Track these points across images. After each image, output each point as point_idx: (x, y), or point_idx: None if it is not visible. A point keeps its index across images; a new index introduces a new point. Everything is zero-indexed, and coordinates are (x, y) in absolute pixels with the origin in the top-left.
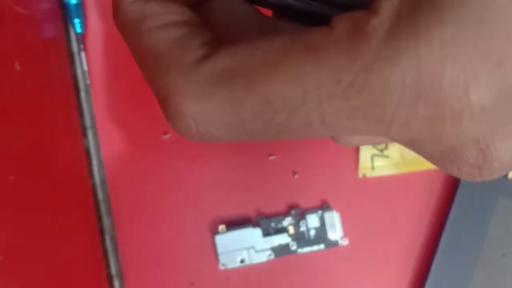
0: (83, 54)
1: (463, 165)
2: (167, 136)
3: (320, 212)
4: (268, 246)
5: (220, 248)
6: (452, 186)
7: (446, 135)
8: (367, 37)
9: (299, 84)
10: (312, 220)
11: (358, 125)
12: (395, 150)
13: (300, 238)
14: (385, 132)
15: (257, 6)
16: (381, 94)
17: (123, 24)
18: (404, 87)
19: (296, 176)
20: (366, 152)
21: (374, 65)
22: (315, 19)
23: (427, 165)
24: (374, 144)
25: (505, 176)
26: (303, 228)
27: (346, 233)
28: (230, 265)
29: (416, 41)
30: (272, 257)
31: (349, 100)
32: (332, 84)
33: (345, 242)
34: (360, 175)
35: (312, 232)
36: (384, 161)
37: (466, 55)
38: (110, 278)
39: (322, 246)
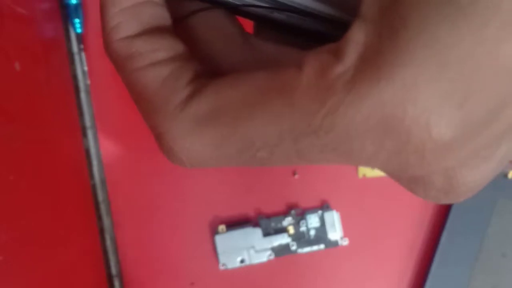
0: (83, 54)
1: (430, 190)
2: None
3: (320, 212)
4: (268, 246)
5: (220, 248)
6: None
7: (411, 166)
8: (333, 83)
9: (275, 125)
10: (312, 220)
11: (330, 158)
12: None
13: (300, 238)
14: (354, 163)
15: (239, 18)
16: (347, 134)
17: (113, 60)
18: (368, 128)
19: (296, 176)
20: None
21: (339, 109)
22: (297, 32)
23: None
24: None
25: (505, 176)
26: (303, 228)
27: (346, 233)
28: (230, 265)
29: (378, 84)
30: (272, 257)
31: (319, 139)
32: (304, 126)
33: (345, 242)
34: (360, 175)
35: (312, 232)
36: None
37: (428, 96)
38: (110, 278)
39: (322, 246)
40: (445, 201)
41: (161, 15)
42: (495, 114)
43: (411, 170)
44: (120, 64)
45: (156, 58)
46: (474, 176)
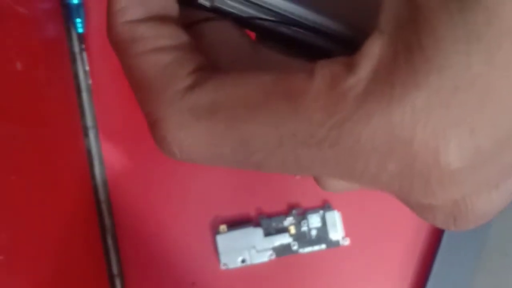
0: (84, 54)
1: (438, 214)
2: None
3: (321, 212)
4: (269, 246)
5: (221, 248)
6: None
7: (415, 192)
8: (343, 95)
9: (275, 129)
10: (314, 220)
11: (331, 172)
12: None
13: (302, 238)
14: (356, 181)
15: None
16: (351, 150)
17: (115, 43)
18: (374, 146)
19: (297, 176)
20: None
21: (347, 123)
22: (298, 46)
23: None
24: (354, 190)
25: None
26: (304, 228)
27: (347, 233)
28: (231, 265)
29: (389, 104)
30: (273, 257)
31: (322, 151)
32: (307, 135)
33: (346, 242)
34: None
35: (314, 232)
36: None
37: (438, 121)
38: (111, 278)
39: (323, 246)
40: (455, 228)
41: (169, 5)
42: (507, 142)
43: (414, 196)
44: (122, 47)
45: (160, 44)
46: (483, 204)
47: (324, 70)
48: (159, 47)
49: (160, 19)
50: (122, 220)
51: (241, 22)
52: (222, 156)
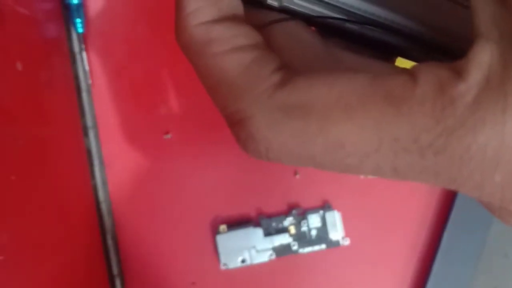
0: (84, 54)
1: None
2: (168, 136)
3: (321, 212)
4: (269, 246)
5: (221, 248)
6: None
7: None
8: (453, 101)
9: (375, 133)
10: (314, 220)
11: (428, 179)
12: None
13: (302, 238)
14: (455, 188)
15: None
16: (460, 159)
17: (187, 46)
18: (484, 156)
19: (297, 175)
20: None
21: (457, 131)
22: (365, 42)
23: None
24: None
25: None
26: (304, 228)
27: (347, 233)
28: (231, 265)
29: (503, 112)
30: (273, 257)
31: (424, 158)
32: (409, 140)
33: (346, 242)
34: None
35: (314, 232)
36: None
37: None
38: (111, 278)
39: (323, 246)
40: None
41: (237, 5)
42: None
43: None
44: (197, 49)
45: (239, 44)
46: None
47: (429, 75)
48: (238, 47)
49: (233, 19)
50: (122, 220)
51: (309, 20)
52: (312, 157)
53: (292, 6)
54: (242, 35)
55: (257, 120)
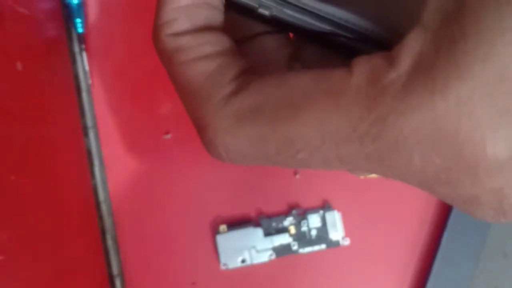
0: (84, 54)
1: (487, 210)
2: (168, 136)
3: (321, 212)
4: (269, 246)
5: (221, 248)
6: None
7: (461, 184)
8: (384, 89)
9: (319, 127)
10: (314, 220)
11: (373, 167)
12: None
13: (302, 238)
14: (399, 175)
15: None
16: (395, 144)
17: (160, 53)
18: (418, 139)
19: (297, 176)
20: None
21: (389, 116)
22: (337, 49)
23: None
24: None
25: None
26: (304, 228)
27: (347, 233)
28: (231, 265)
29: (432, 96)
30: (273, 257)
31: (364, 146)
32: (349, 131)
33: (346, 242)
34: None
35: (314, 232)
36: None
37: (483, 112)
38: (111, 278)
39: (323, 246)
40: (505, 219)
41: (215, 18)
42: None
43: (461, 189)
44: (166, 57)
45: (203, 52)
46: None
47: (363, 66)
48: (202, 56)
49: (206, 29)
50: (122, 220)
51: (296, 31)
52: (267, 156)
53: (282, 16)
54: (209, 43)
55: (215, 127)
